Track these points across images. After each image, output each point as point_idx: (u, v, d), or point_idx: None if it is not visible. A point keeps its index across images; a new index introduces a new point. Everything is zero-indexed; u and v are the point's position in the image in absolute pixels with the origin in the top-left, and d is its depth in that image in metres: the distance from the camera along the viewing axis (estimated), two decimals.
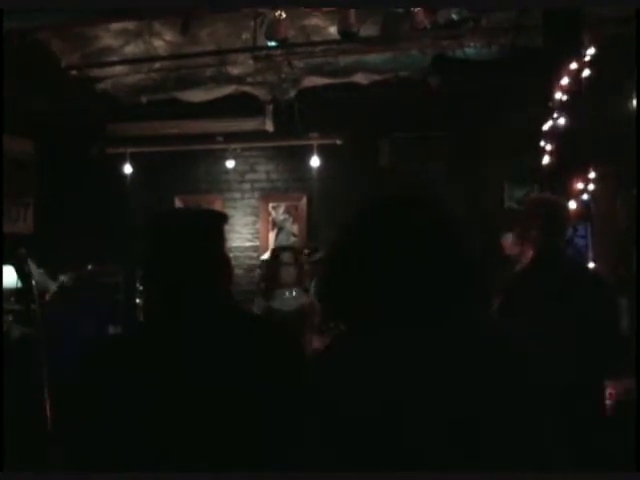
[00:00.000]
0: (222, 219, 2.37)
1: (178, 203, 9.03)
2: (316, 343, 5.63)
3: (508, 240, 5.75)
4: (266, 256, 8.61)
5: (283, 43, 6.39)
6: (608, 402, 4.13)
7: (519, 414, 1.64)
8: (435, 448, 1.58)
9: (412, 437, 1.59)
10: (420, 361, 1.63)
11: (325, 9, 6.30)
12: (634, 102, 5.19)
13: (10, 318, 6.70)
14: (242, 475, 1.95)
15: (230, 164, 8.92)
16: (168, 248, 2.24)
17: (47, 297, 4.70)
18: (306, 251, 6.23)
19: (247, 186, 9.17)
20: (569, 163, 5.71)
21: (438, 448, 1.58)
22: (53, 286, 4.69)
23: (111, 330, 5.74)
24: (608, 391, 4.11)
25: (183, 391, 2.04)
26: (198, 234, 2.26)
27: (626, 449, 3.55)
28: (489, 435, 1.60)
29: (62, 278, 4.74)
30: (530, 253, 4.03)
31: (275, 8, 6.04)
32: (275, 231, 9.02)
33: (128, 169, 8.97)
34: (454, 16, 6.35)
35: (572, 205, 5.42)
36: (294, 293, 6.33)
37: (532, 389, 1.69)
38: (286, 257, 6.37)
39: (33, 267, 4.57)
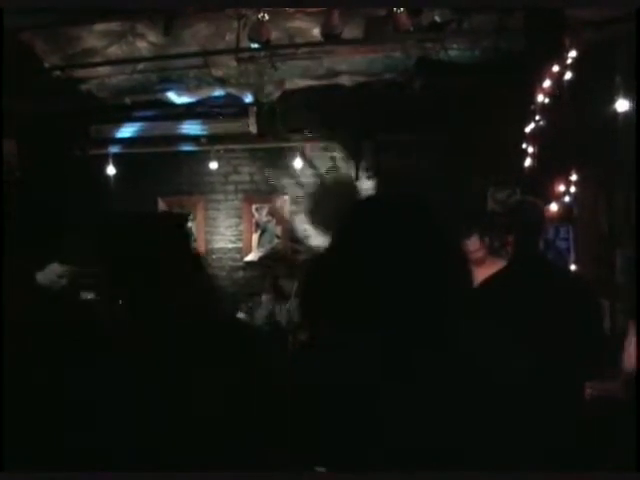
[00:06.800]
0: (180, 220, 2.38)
1: (161, 204, 9.02)
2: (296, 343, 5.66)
3: (471, 242, 5.73)
4: (251, 258, 8.69)
5: (266, 45, 6.38)
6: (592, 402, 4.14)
7: (505, 411, 1.65)
8: (418, 447, 1.58)
9: (392, 437, 1.59)
10: (400, 362, 1.63)
11: (308, 10, 6.29)
12: (615, 105, 5.20)
13: None
14: (239, 475, 1.96)
15: (213, 166, 8.92)
16: (129, 252, 2.27)
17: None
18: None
19: (230, 187, 9.17)
20: (551, 165, 5.73)
21: (421, 447, 1.58)
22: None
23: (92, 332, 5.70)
24: (589, 392, 4.12)
25: (161, 391, 2.05)
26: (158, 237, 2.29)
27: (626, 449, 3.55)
28: (471, 436, 1.60)
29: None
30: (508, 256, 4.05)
31: (258, 10, 6.04)
32: (258, 233, 9.03)
33: (111, 170, 8.94)
34: (437, 18, 6.35)
35: (554, 207, 5.45)
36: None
37: (516, 390, 1.69)
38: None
39: None
